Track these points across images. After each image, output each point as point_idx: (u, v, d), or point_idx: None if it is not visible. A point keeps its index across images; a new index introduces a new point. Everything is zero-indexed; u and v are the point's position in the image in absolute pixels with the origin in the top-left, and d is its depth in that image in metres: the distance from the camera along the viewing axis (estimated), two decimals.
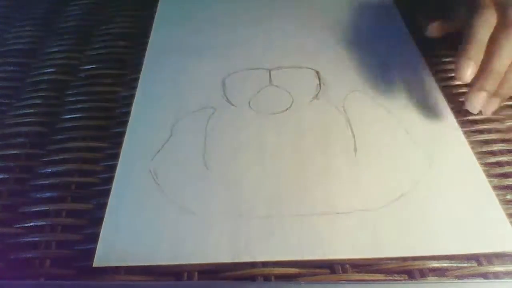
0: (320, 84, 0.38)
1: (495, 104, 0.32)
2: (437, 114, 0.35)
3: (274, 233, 0.28)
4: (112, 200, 0.30)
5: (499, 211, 0.29)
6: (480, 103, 0.30)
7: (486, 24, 0.31)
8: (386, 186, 0.30)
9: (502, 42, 0.30)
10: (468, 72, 0.30)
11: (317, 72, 0.39)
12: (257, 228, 0.28)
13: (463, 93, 0.35)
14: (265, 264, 0.27)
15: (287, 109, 0.36)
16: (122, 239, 0.28)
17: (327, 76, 0.39)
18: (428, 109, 0.35)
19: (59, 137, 0.35)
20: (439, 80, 0.38)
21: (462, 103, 0.35)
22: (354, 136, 0.33)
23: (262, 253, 0.27)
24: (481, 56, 0.31)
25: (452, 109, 0.35)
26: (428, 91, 0.37)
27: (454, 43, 0.35)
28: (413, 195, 0.30)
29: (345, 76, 0.38)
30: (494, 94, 0.31)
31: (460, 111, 0.35)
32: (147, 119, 0.36)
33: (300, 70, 0.39)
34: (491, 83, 0.30)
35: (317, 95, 0.37)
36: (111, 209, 0.30)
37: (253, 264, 0.27)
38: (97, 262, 0.27)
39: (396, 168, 0.31)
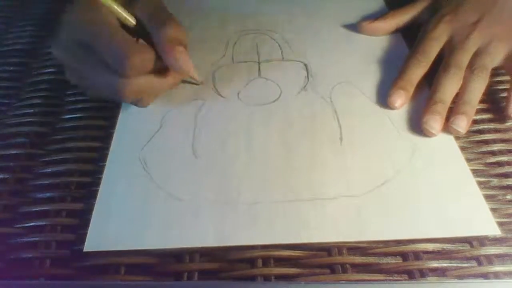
0: (308, 76, 0.39)
1: (466, 121, 0.33)
2: (421, 104, 0.35)
3: (259, 219, 0.29)
4: (102, 187, 0.31)
5: (479, 197, 0.30)
6: (437, 124, 0.33)
7: (417, 66, 0.37)
8: (370, 173, 0.31)
9: (442, 80, 0.35)
10: (398, 100, 0.35)
11: (305, 65, 0.40)
12: (243, 214, 0.29)
13: None
14: (265, 264, 0.27)
15: (275, 100, 0.37)
16: (112, 225, 0.29)
17: (315, 68, 0.39)
18: (412, 100, 0.36)
19: (59, 137, 0.36)
20: (426, 73, 0.38)
21: None
22: (340, 126, 0.34)
23: (247, 238, 0.28)
24: (409, 86, 0.36)
25: None
26: None
27: None
28: (396, 182, 0.31)
29: (332, 69, 0.39)
30: (463, 112, 0.34)
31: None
32: (138, 110, 0.36)
33: (288, 63, 0.40)
34: (440, 109, 0.34)
35: (305, 86, 0.38)
36: (102, 196, 0.31)
37: (253, 264, 0.27)
38: (88, 247, 0.28)
39: (380, 156, 0.32)
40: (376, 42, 0.42)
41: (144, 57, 0.31)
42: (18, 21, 0.48)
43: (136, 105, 0.35)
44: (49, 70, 0.42)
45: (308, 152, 0.33)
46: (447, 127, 0.33)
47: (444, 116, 0.34)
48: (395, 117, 0.35)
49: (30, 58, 0.43)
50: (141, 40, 0.33)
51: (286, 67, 0.40)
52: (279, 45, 0.42)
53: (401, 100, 0.35)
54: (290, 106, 0.36)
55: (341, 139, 0.33)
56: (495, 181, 0.31)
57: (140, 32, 0.33)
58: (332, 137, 0.34)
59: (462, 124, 0.33)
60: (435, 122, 0.33)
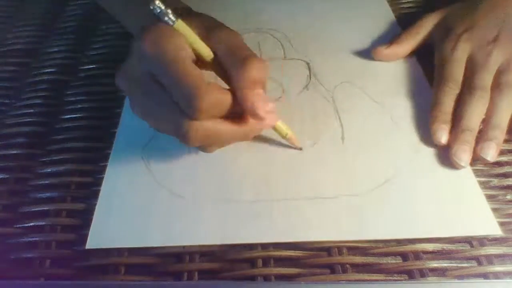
0: (310, 75, 0.39)
1: (495, 149, 0.32)
2: (423, 103, 0.35)
3: (261, 217, 0.29)
4: (105, 185, 0.31)
5: (480, 196, 0.30)
6: (466, 155, 0.32)
7: (450, 94, 0.34)
8: (372, 172, 0.31)
9: (468, 106, 0.33)
10: (443, 136, 0.32)
11: (308, 64, 0.40)
12: (245, 212, 0.29)
13: None
14: (265, 264, 0.27)
15: (277, 99, 0.37)
16: (114, 222, 0.29)
17: (317, 67, 0.40)
18: (414, 99, 0.36)
19: (59, 137, 0.36)
20: (426, 71, 0.38)
21: None
22: (342, 125, 0.35)
23: (248, 236, 0.28)
24: (449, 118, 0.33)
25: None
26: (414, 82, 0.37)
27: None
28: (397, 181, 0.31)
29: (334, 68, 0.39)
30: (492, 139, 0.32)
31: None
32: None
33: (291, 62, 0.40)
34: (468, 138, 0.32)
35: (307, 85, 0.38)
36: (104, 194, 0.31)
37: (253, 264, 0.27)
38: (90, 244, 0.28)
39: (382, 155, 0.32)
40: (378, 42, 0.41)
41: (217, 99, 0.27)
42: (18, 21, 0.48)
43: (202, 150, 0.31)
44: (49, 70, 0.42)
45: (309, 151, 0.33)
46: (475, 155, 0.32)
47: (473, 145, 0.32)
48: (397, 117, 0.35)
49: (30, 58, 0.43)
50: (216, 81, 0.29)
51: (288, 66, 0.40)
52: (281, 44, 0.42)
53: (446, 136, 0.33)
54: (292, 105, 0.36)
55: (342, 138, 0.34)
56: (495, 181, 0.31)
57: (214, 67, 0.29)
58: (334, 136, 0.34)
59: (491, 152, 0.31)
60: (464, 153, 0.31)
